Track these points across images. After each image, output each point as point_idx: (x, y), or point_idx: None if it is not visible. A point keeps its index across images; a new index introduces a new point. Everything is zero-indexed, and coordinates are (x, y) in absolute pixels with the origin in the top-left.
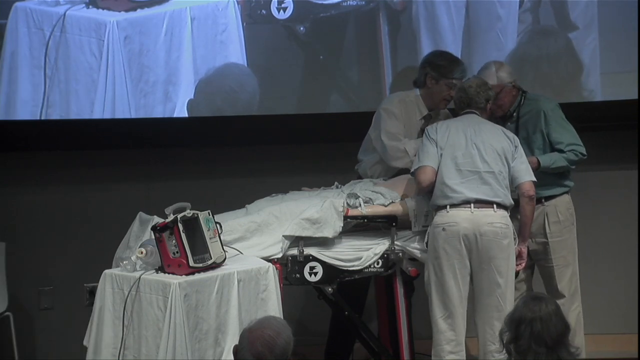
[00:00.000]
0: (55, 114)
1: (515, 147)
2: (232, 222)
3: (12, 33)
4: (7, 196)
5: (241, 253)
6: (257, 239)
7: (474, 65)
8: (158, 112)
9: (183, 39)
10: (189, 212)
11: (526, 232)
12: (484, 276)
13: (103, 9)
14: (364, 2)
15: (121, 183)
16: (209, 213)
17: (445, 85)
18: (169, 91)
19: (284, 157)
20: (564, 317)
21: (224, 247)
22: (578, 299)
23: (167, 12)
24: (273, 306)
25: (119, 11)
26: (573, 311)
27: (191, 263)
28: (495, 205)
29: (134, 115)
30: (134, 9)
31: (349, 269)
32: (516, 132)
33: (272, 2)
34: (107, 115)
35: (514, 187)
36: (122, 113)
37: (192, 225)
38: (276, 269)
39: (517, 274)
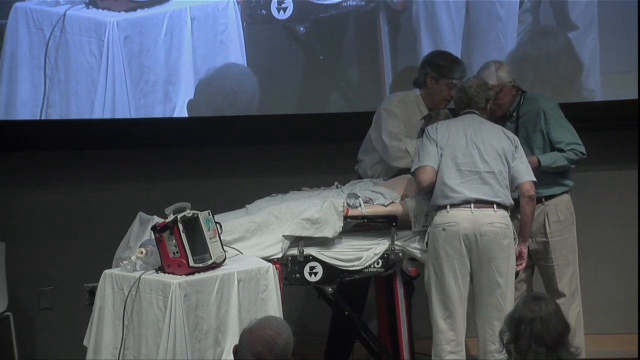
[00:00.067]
0: (55, 114)
1: (516, 147)
2: (232, 222)
3: (12, 33)
4: (7, 196)
5: (241, 253)
6: (257, 239)
7: (474, 65)
8: (158, 112)
9: (183, 39)
10: (189, 212)
11: (526, 232)
12: (484, 276)
13: (103, 9)
14: (364, 2)
15: (121, 183)
16: (209, 213)
17: (445, 85)
18: (169, 91)
19: (284, 157)
20: (564, 317)
21: (224, 247)
22: (578, 299)
23: (167, 12)
24: (273, 306)
25: (119, 11)
26: (573, 310)
27: (191, 263)
28: (495, 205)
29: (134, 115)
30: (134, 9)
31: (349, 269)
32: (516, 132)
33: (272, 2)
34: (107, 115)
35: (514, 187)
36: (122, 113)
37: (192, 225)
38: (276, 269)
39: (517, 274)
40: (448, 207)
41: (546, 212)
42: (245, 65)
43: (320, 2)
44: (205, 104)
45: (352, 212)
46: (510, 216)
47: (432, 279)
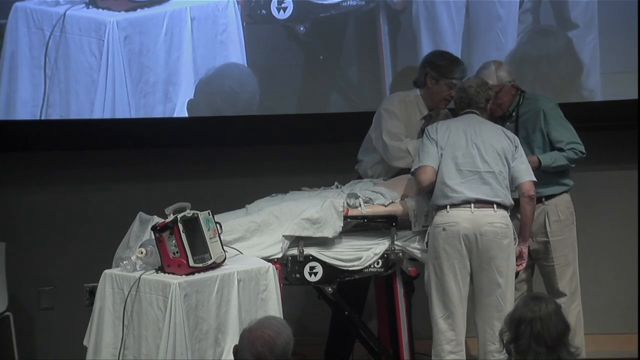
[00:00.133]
0: (55, 114)
1: (516, 147)
2: (232, 222)
3: (12, 33)
4: (7, 196)
5: (241, 253)
6: (257, 239)
7: (474, 65)
8: (158, 112)
9: (183, 39)
10: (189, 212)
11: (527, 233)
12: (484, 276)
13: (103, 9)
14: (364, 2)
15: (121, 183)
16: (209, 213)
17: (446, 85)
18: (169, 91)
19: (284, 157)
20: (564, 317)
21: (224, 247)
22: (578, 298)
23: (167, 12)
24: (273, 306)
25: (119, 11)
26: (573, 310)
27: (191, 263)
28: (495, 205)
29: (134, 115)
30: (134, 9)
31: (349, 269)
32: (516, 132)
33: (272, 2)
34: (107, 115)
35: (514, 187)
36: (122, 113)
37: (192, 225)
38: (276, 269)
39: (517, 274)
40: (448, 207)
41: (546, 211)
42: (245, 65)
43: (320, 2)
44: (205, 104)
45: (352, 212)
46: (510, 216)
47: (432, 279)
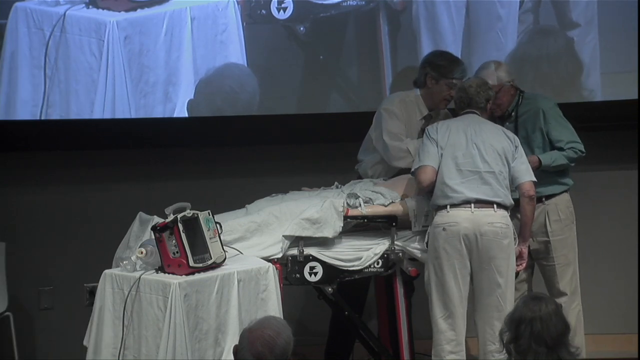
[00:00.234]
0: (55, 114)
1: (516, 147)
2: (232, 222)
3: (12, 33)
4: (7, 196)
5: (241, 253)
6: (257, 239)
7: (474, 65)
8: (158, 112)
9: (183, 39)
10: (189, 212)
11: (527, 233)
12: (484, 276)
13: (103, 9)
14: (364, 2)
15: (121, 183)
16: (209, 213)
17: (446, 85)
18: (169, 91)
19: (284, 157)
20: (564, 317)
21: (224, 247)
22: (578, 297)
23: (167, 12)
24: (273, 306)
25: (119, 11)
26: (573, 309)
27: (191, 263)
28: (495, 205)
29: (134, 115)
30: (134, 9)
31: (349, 269)
32: (515, 132)
33: (272, 2)
34: (107, 115)
35: (514, 187)
36: (122, 113)
37: (192, 225)
38: (276, 269)
39: (517, 274)
40: (448, 207)
41: (547, 211)
42: (245, 65)
43: (320, 2)
44: (205, 104)
45: (352, 212)
46: (510, 216)
47: (432, 279)
